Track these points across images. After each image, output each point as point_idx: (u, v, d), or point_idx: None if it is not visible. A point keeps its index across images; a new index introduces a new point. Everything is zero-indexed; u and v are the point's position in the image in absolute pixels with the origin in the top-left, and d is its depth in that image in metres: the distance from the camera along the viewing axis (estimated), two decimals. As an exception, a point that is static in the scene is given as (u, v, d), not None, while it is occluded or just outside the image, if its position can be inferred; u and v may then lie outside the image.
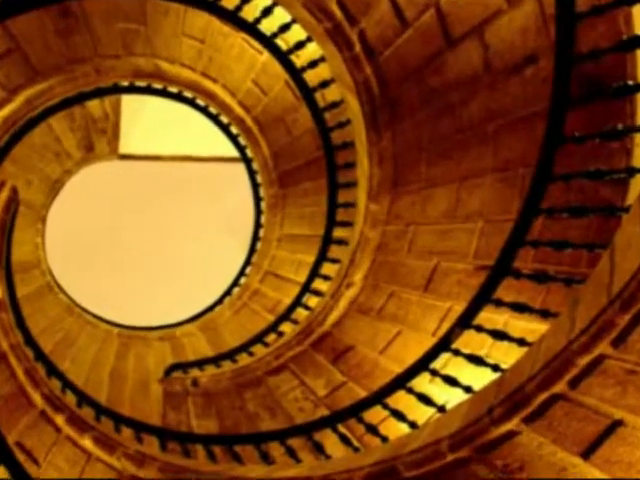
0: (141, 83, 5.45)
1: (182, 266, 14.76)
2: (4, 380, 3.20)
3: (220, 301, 7.03)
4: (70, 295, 7.01)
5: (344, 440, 3.33)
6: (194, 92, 5.57)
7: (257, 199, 6.65)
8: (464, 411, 2.23)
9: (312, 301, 4.88)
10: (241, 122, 5.76)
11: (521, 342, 2.61)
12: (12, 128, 4.77)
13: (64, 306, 6.76)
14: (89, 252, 14.16)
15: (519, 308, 2.67)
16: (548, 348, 1.90)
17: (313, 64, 4.06)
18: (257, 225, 6.77)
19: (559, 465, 1.76)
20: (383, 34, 3.25)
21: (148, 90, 5.55)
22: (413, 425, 2.95)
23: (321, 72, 4.16)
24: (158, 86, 5.54)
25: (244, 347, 5.11)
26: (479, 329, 2.78)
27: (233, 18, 3.89)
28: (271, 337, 5.08)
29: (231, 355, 5.11)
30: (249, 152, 6.21)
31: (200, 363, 5.19)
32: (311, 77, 4.24)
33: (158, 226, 14.59)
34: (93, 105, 6.33)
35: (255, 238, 6.84)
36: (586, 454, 1.70)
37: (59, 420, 3.26)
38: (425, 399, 2.98)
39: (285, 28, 3.91)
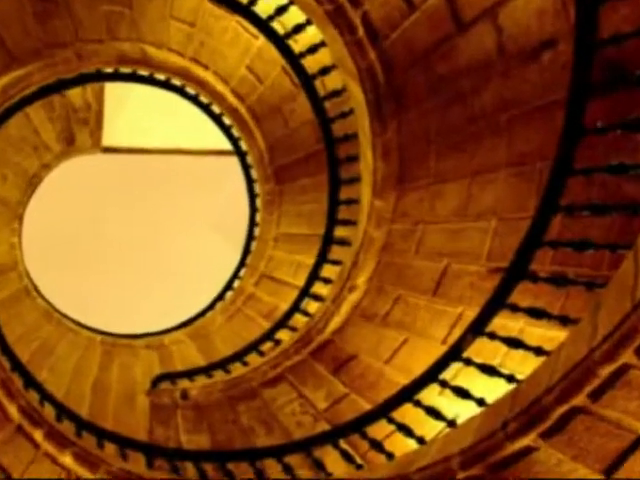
0: (126, 70, 5.45)
1: (171, 269, 14.76)
2: (-23, 392, 3.20)
3: (212, 306, 7.02)
4: (49, 300, 7.01)
5: (346, 457, 3.33)
6: (183, 79, 5.56)
7: (252, 196, 6.64)
8: (476, 425, 2.23)
9: (311, 306, 4.88)
10: (234, 112, 5.75)
11: (538, 351, 2.61)
12: (-14, 119, 4.78)
13: (42, 312, 6.76)
14: (70, 253, 14.17)
15: (536, 314, 2.67)
16: (567, 357, 1.90)
17: (312, 49, 4.06)
18: (252, 224, 6.76)
19: (579, 484, 1.76)
20: (388, 17, 3.25)
21: (133, 77, 5.54)
22: (421, 441, 2.95)
23: (321, 58, 4.16)
24: (144, 73, 5.53)
25: (238, 356, 5.10)
26: (493, 336, 2.78)
27: (226, -1, 3.90)
28: (267, 345, 5.08)
29: (224, 365, 5.11)
30: (243, 145, 6.21)
31: (190, 373, 5.18)
32: (310, 63, 4.23)
33: (145, 226, 14.59)
34: (74, 94, 6.32)
35: (250, 238, 6.83)
36: (609, 471, 1.70)
37: (37, 435, 3.26)
38: (434, 412, 2.98)
39: (282, 10, 3.91)
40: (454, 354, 2.89)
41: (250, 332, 5.83)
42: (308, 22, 3.88)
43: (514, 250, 2.63)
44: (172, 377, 5.19)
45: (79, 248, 14.39)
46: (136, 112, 8.38)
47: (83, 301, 11.11)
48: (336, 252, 4.75)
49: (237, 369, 4.98)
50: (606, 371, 1.68)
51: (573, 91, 2.31)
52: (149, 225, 14.71)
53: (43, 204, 8.00)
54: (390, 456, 3.07)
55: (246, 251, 6.89)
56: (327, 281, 4.75)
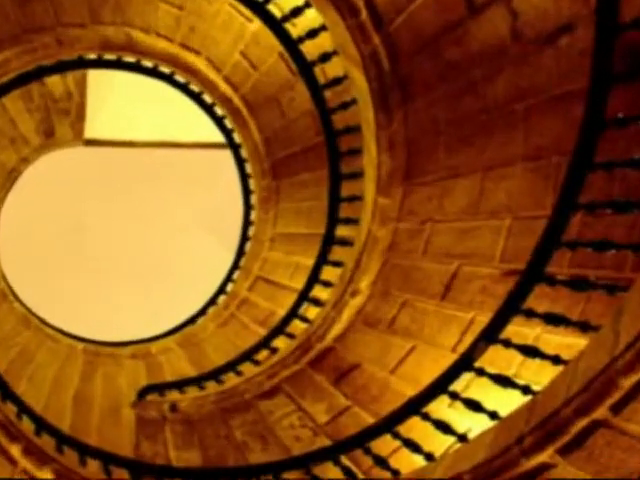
0: (110, 56, 5.45)
1: (159, 271, 14.76)
2: (-50, 404, 3.20)
3: (203, 312, 7.02)
4: (27, 304, 7.01)
5: (348, 474, 3.33)
6: (172, 66, 5.56)
7: (246, 192, 6.64)
8: (489, 440, 2.23)
9: (311, 312, 4.89)
10: (227, 102, 5.76)
11: (556, 360, 2.61)
12: (-41, 109, 4.78)
13: (20, 317, 6.76)
14: (49, 254, 14.18)
15: (554, 320, 2.67)
16: (587, 367, 1.91)
17: (312, 34, 4.06)
18: (246, 222, 6.77)
19: (600, 503, 1.76)
20: (394, -1, 3.26)
21: (118, 64, 5.54)
22: (429, 457, 2.95)
23: (321, 43, 4.16)
24: (130, 59, 5.54)
25: (231, 366, 5.11)
26: (507, 344, 2.78)
27: (218, -20, 3.90)
28: (263, 354, 5.08)
29: (216, 375, 5.11)
30: (237, 137, 6.21)
31: (180, 384, 5.19)
32: (309, 49, 4.23)
33: (131, 225, 14.59)
34: (54, 82, 6.32)
35: (244, 238, 6.84)
36: (632, 490, 1.70)
37: (14, 451, 3.26)
38: (443, 426, 2.98)
39: (279, -9, 3.91)
40: (465, 363, 2.89)
41: (244, 340, 5.83)
42: (307, 4, 3.88)
43: (530, 251, 2.63)
44: (160, 388, 5.19)
45: (59, 248, 14.39)
46: (121, 102, 8.39)
47: (64, 306, 11.10)
48: (337, 253, 4.75)
49: (230, 379, 4.98)
50: (629, 382, 1.69)
51: (593, 79, 2.31)
52: (135, 225, 14.71)
53: (21, 201, 8.01)
54: (396, 473, 3.07)
55: (240, 252, 6.89)
56: (327, 284, 4.75)
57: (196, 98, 6.00)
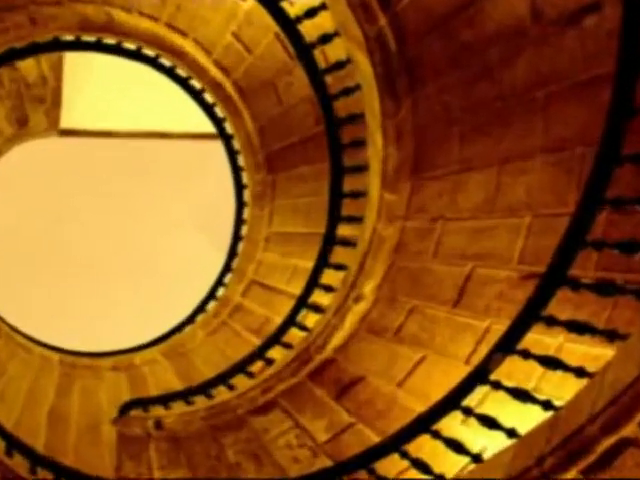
0: (89, 37, 5.45)
1: (142, 274, 14.76)
2: None
3: (191, 319, 7.02)
4: (-3, 311, 7.00)
5: (351, 498, 3.33)
6: (157, 49, 5.57)
7: (239, 187, 6.65)
8: (507, 461, 2.23)
9: (310, 319, 4.89)
10: (218, 88, 5.76)
11: (580, 372, 2.61)
12: None
13: (-11, 325, 6.76)
14: (22, 253, 14.18)
15: (577, 328, 2.67)
16: (615, 379, 1.91)
17: (311, 13, 4.06)
18: (239, 220, 6.77)
19: (629, 530, 1.76)
20: (402, -26, 3.26)
21: (98, 46, 5.55)
22: (440, 479, 2.95)
23: (321, 23, 4.16)
24: (111, 41, 5.54)
25: (222, 378, 5.11)
26: (526, 355, 2.78)
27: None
28: (257, 366, 5.08)
29: (205, 389, 5.12)
30: (228, 126, 6.21)
31: (165, 399, 5.19)
32: (308, 30, 4.23)
33: (111, 223, 14.59)
34: (27, 66, 6.32)
35: (236, 237, 6.84)
36: (663, 516, 1.70)
37: (-17, 472, 3.26)
38: (456, 445, 2.98)
39: (275, -34, 3.91)
40: (480, 376, 2.89)
41: (237, 350, 5.83)
42: (306, -20, 3.89)
43: (551, 252, 2.63)
44: (144, 403, 5.19)
45: (33, 248, 14.38)
46: (101, 88, 8.38)
47: (37, 312, 11.11)
48: (339, 254, 4.76)
49: (221, 394, 4.98)
50: (661, 396, 1.69)
51: (621, 62, 2.31)
52: (116, 223, 14.71)
53: (-10, 197, 8.01)
54: (404, 497, 3.08)
55: (232, 253, 6.89)
56: (328, 289, 4.76)
57: (183, 84, 6.01)
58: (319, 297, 4.87)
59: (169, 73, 5.92)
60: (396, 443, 3.11)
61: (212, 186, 11.96)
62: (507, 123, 3.31)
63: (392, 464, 3.22)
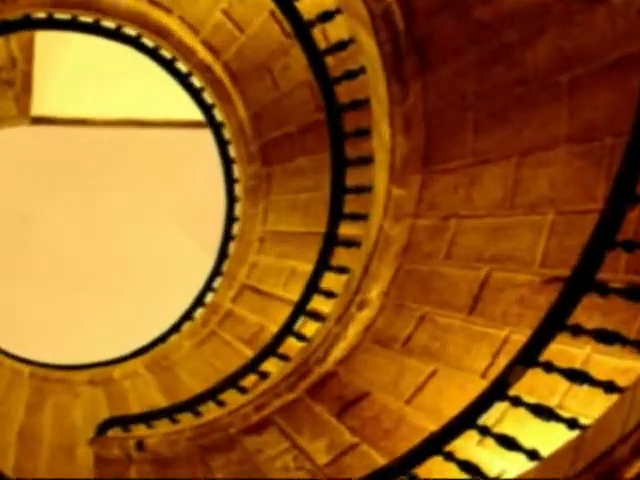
0: (63, 15, 5.45)
1: (122, 277, 14.76)
2: None
3: (176, 328, 7.03)
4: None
5: (355, 527, 3.33)
6: (139, 28, 5.57)
7: (230, 181, 6.65)
8: (527, 485, 2.23)
9: (309, 328, 4.89)
10: (206, 70, 5.76)
11: (609, 387, 2.61)
12: None
13: (-48, 335, 6.77)
14: (-12, 257, 14.18)
15: (606, 337, 2.67)
16: (648, 395, 1.91)
17: (310, -13, 4.07)
18: (230, 218, 6.78)
19: None
20: (411, -56, 3.26)
21: (73, 25, 5.55)
22: (454, 505, 2.96)
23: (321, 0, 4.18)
24: (87, 19, 5.54)
25: (211, 394, 5.11)
26: (549, 368, 2.78)
27: None
28: (250, 380, 5.09)
29: (192, 405, 5.12)
30: (218, 113, 6.22)
31: (148, 417, 5.19)
32: (307, 6, 4.24)
33: (87, 220, 14.59)
34: (-6, 46, 6.33)
35: (227, 237, 6.84)
36: None
37: (-54, 499, 3.27)
38: (471, 468, 2.98)
39: (270, -64, 3.91)
40: (498, 391, 2.89)
41: (227, 362, 5.83)
42: (304, -49, 3.89)
43: (577, 253, 2.63)
44: (124, 422, 5.19)
45: (1, 248, 14.38)
46: (76, 72, 8.38)
47: (5, 320, 11.11)
48: (341, 256, 4.76)
49: (210, 411, 4.98)
50: (699, 413, 1.69)
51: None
52: (93, 220, 14.70)
53: (-47, 192, 8.01)
54: (413, 526, 3.07)
55: (222, 255, 6.90)
56: (329, 294, 4.76)
57: (168, 66, 6.01)
58: (319, 303, 4.88)
59: (152, 54, 5.92)
60: (404, 466, 3.10)
61: (200, 180, 11.96)
62: (528, 110, 3.31)
63: (400, 489, 3.22)
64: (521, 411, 2.92)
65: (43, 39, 6.90)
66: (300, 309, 4.97)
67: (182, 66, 5.94)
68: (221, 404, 5.00)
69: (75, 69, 8.31)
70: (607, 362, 3.02)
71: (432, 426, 3.39)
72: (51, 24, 5.51)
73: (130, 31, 5.65)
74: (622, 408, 2.08)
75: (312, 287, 4.89)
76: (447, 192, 3.81)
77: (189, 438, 4.78)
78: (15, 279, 14.45)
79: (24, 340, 7.93)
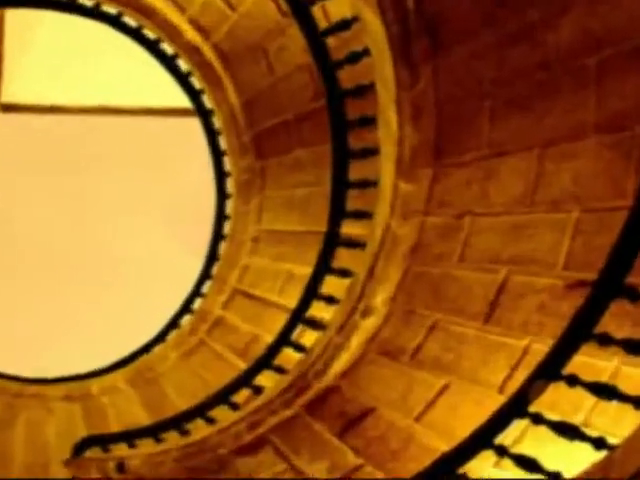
0: (36, -9, 5.47)
1: (102, 281, 14.76)
2: None
3: (161, 337, 7.03)
4: None
5: None
6: (120, 5, 5.57)
7: (220, 175, 6.65)
8: (550, 512, 2.23)
9: (308, 337, 4.89)
10: (194, 52, 5.76)
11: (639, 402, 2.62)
12: None
13: None
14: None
15: (636, 348, 2.68)
16: (683, 412, 1.91)
17: (309, -39, 4.08)
18: (220, 216, 6.78)
19: None
20: None
21: (46, 2, 5.55)
22: (468, 534, 2.96)
23: (322, -26, 4.18)
24: (63, -4, 5.55)
25: (199, 410, 5.12)
26: (573, 381, 2.79)
27: None
28: (242, 395, 5.09)
29: (179, 423, 5.12)
30: (207, 100, 6.22)
31: (130, 436, 5.20)
32: (306, -19, 4.25)
33: (63, 218, 14.60)
34: (-40, 26, 6.33)
35: (217, 237, 6.85)
36: None
37: None
38: (487, 492, 2.99)
39: None
40: (517, 407, 2.89)
41: (218, 375, 5.83)
42: None
43: (605, 254, 2.63)
44: (103, 441, 5.19)
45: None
46: (50, 55, 8.38)
47: (-28, 329, 11.11)
48: (344, 257, 4.76)
49: (199, 429, 4.99)
50: None
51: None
52: (69, 217, 14.70)
53: None
54: None
55: (212, 257, 6.90)
56: (330, 300, 4.76)
57: (152, 48, 6.01)
58: (319, 310, 4.88)
59: (134, 35, 5.92)
60: (414, 490, 3.11)
61: (187, 174, 11.96)
62: (550, 97, 3.31)
63: (409, 516, 3.23)
64: (542, 429, 2.92)
65: (13, 19, 6.91)
66: (298, 316, 4.97)
67: (167, 47, 5.94)
68: (211, 421, 5.00)
69: (49, 52, 8.31)
70: (637, 375, 3.02)
71: (444, 446, 3.40)
72: (22, 1, 5.51)
73: (110, 9, 5.65)
74: (655, 426, 2.09)
75: (311, 292, 4.89)
76: (460, 187, 3.81)
77: (175, 459, 4.78)
78: (-18, 283, 14.46)
79: (-7, 351, 7.94)
